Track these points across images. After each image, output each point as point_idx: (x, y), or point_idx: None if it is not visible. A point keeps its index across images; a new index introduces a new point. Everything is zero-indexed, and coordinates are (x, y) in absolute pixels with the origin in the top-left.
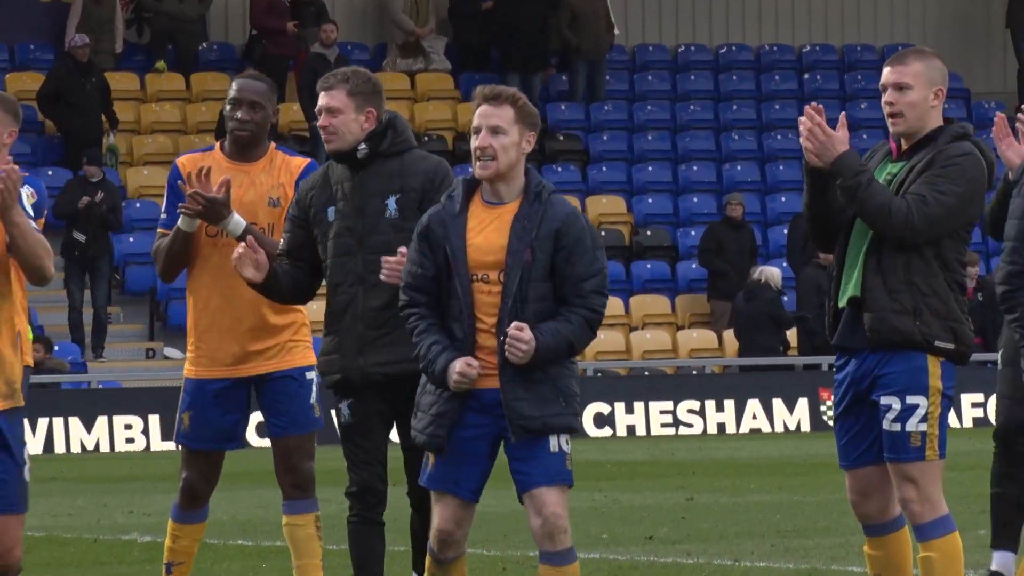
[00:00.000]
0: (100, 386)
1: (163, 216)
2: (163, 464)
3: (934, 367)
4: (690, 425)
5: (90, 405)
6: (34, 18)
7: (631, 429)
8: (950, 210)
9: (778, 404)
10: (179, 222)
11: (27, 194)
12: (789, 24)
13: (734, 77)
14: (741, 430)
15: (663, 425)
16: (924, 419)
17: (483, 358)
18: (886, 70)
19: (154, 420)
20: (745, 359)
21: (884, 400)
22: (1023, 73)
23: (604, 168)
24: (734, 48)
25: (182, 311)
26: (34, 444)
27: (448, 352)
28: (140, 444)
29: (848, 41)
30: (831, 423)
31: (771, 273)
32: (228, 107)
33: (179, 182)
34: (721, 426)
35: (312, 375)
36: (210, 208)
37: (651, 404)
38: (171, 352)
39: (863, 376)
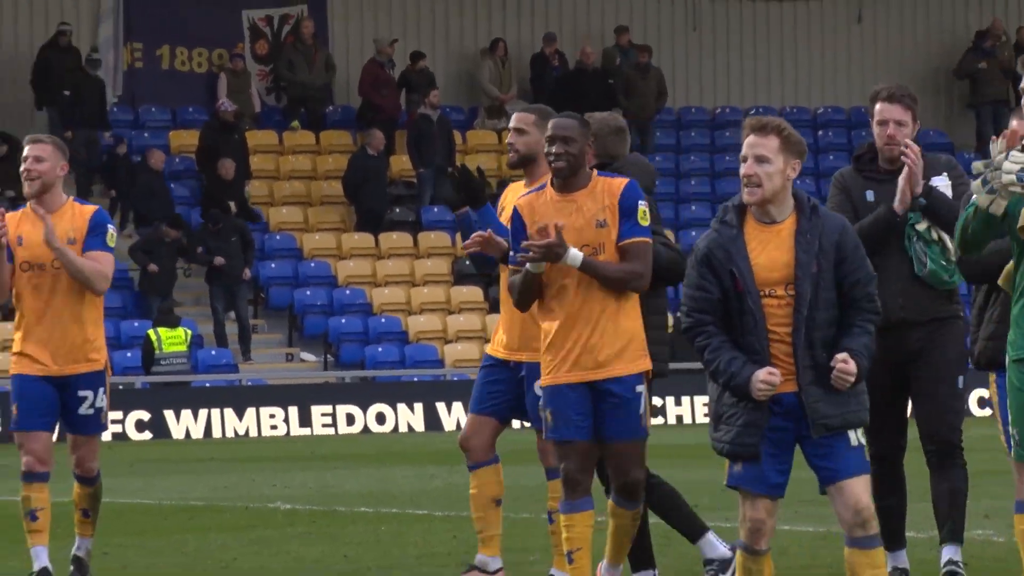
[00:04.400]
0: (249, 383)
1: (511, 254)
2: (300, 446)
3: None
4: None
5: (241, 399)
6: (192, 86)
7: (679, 418)
8: None
9: None
10: (527, 265)
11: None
12: (806, 88)
13: None
14: None
15: (705, 415)
16: None
17: (777, 365)
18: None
19: (293, 411)
20: None
21: None
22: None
23: None
24: (761, 109)
25: (316, 324)
26: (196, 431)
27: (748, 365)
28: (281, 431)
29: (855, 104)
30: None
31: None
32: (546, 145)
33: (519, 228)
34: None
35: (642, 388)
36: (548, 252)
37: (696, 398)
38: (307, 356)
39: None
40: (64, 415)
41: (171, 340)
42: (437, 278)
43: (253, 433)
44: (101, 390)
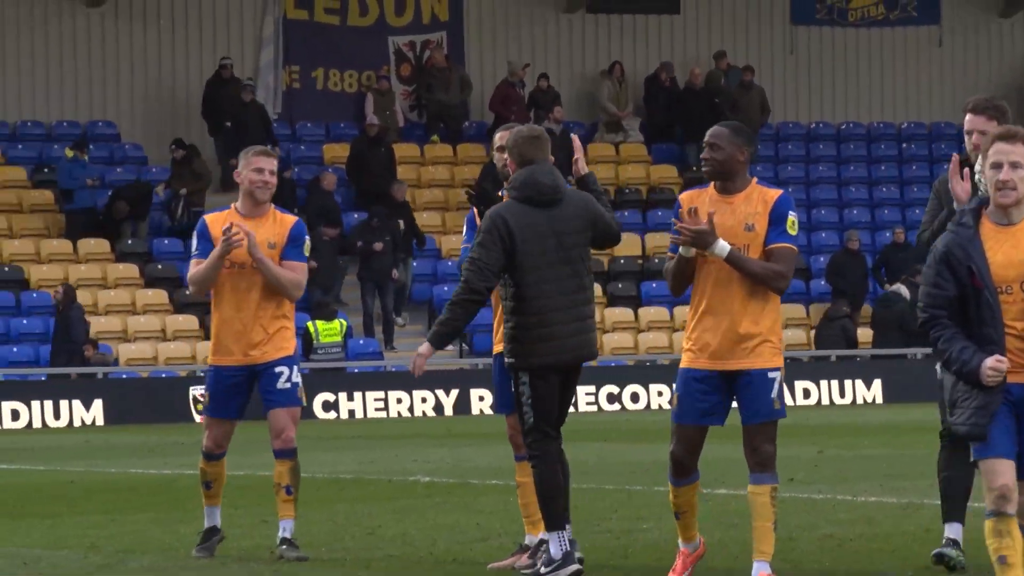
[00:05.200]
0: (392, 369)
1: (671, 243)
2: (438, 426)
3: None
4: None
5: (385, 383)
6: (343, 105)
7: None
8: None
9: (880, 383)
10: (680, 249)
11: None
12: (892, 105)
13: (851, 146)
14: (857, 401)
15: (804, 398)
16: None
17: (1010, 358)
18: None
19: (428, 395)
20: (865, 350)
21: None
22: None
23: None
24: (851, 124)
25: None
26: (345, 410)
27: (978, 353)
28: (419, 411)
29: (935, 119)
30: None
31: (902, 287)
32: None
33: (677, 218)
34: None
35: (776, 375)
36: (698, 237)
37: (796, 383)
38: None
39: None
40: (263, 395)
41: (327, 332)
42: None
43: (395, 413)
44: (295, 367)
